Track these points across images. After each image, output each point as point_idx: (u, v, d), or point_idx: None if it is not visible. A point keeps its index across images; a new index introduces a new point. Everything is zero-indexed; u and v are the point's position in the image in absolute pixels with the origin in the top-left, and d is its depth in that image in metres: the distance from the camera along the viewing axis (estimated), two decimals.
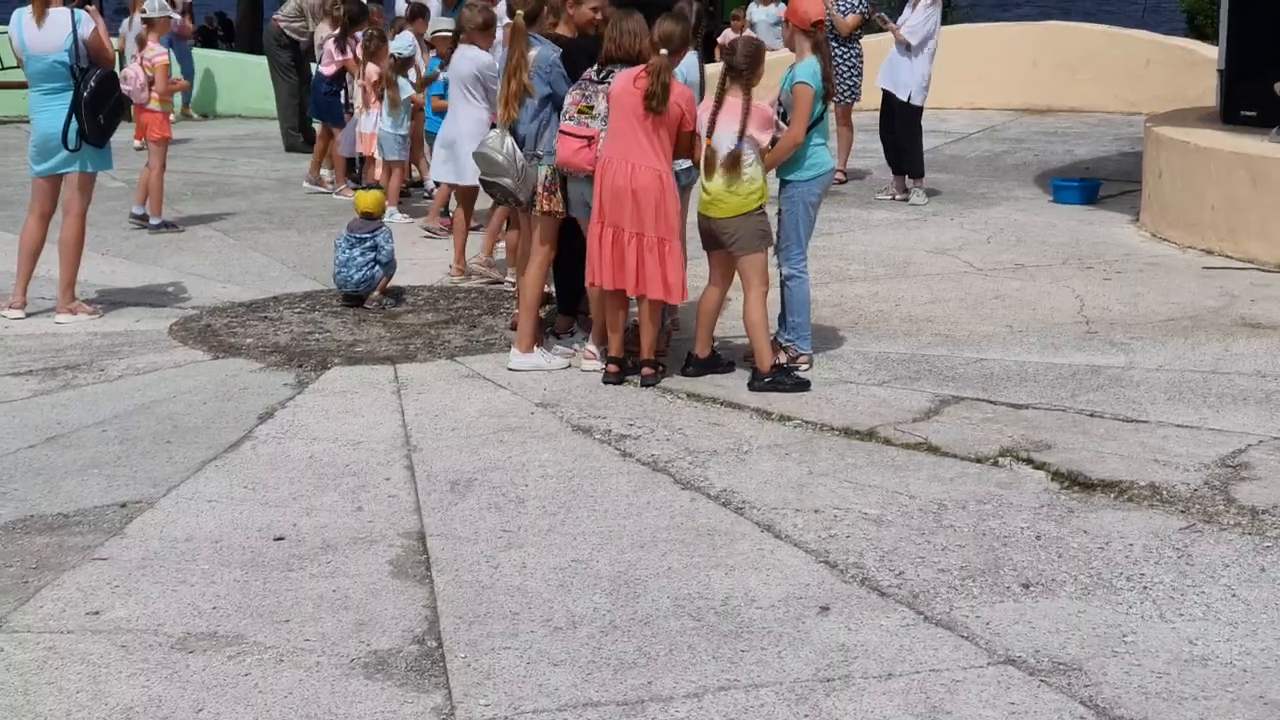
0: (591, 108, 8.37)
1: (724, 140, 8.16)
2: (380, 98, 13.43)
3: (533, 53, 8.61)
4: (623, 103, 8.21)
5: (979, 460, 7.18)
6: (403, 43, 13.74)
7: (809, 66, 8.44)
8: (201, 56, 21.91)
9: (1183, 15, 41.17)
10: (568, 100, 8.49)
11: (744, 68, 8.18)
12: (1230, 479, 6.88)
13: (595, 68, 8.51)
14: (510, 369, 8.72)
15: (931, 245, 12.40)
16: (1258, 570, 5.88)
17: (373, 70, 13.74)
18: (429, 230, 12.74)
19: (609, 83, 8.35)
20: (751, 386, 8.31)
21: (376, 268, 10.39)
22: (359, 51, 14.25)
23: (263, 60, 19.02)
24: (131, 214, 13.14)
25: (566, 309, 9.46)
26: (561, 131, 8.48)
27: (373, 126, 13.59)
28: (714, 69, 8.95)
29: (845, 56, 15.05)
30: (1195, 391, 8.25)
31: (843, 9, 14.97)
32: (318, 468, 7.18)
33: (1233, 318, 9.90)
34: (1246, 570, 5.88)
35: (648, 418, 7.90)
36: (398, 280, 10.95)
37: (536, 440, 7.57)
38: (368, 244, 10.37)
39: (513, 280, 10.23)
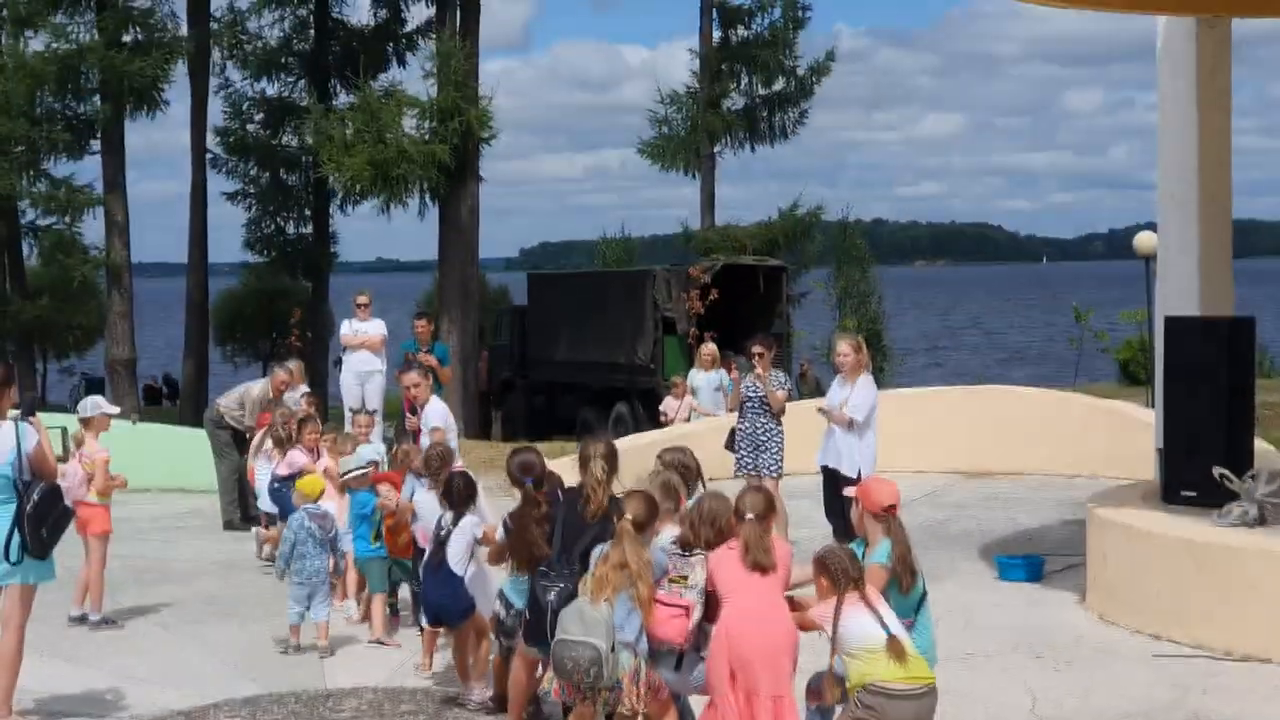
0: (686, 578, 8.20)
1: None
2: (341, 491, 13.24)
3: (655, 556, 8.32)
4: (730, 571, 8.10)
5: None
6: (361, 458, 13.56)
7: (883, 550, 8.27)
8: (145, 430, 22.01)
9: (1116, 364, 42.09)
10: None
11: (857, 576, 7.90)
12: None
13: (678, 546, 8.40)
14: None
15: None
16: None
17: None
18: (380, 642, 12.35)
19: (698, 555, 8.26)
20: None
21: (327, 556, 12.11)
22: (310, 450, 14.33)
23: (204, 433, 19.22)
24: (70, 616, 12.93)
25: None
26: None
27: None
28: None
29: (774, 432, 15.25)
30: None
31: (773, 384, 15.21)
32: None
33: (1185, 713, 9.84)
34: None
35: None
36: (341, 681, 10.81)
37: None
38: (321, 540, 11.98)
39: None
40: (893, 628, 7.67)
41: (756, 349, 15.51)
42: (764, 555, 8.06)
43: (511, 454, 9.78)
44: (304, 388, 18.34)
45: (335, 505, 13.13)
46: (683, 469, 9.32)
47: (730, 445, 15.57)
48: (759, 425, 15.34)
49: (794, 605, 8.15)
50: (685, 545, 8.35)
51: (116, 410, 13.72)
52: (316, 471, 13.78)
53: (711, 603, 8.19)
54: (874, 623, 7.66)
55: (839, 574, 7.77)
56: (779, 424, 15.37)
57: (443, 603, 10.35)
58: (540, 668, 8.99)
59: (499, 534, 9.70)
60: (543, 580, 8.76)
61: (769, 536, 8.21)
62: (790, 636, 7.99)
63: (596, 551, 8.28)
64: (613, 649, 7.83)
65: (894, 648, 7.57)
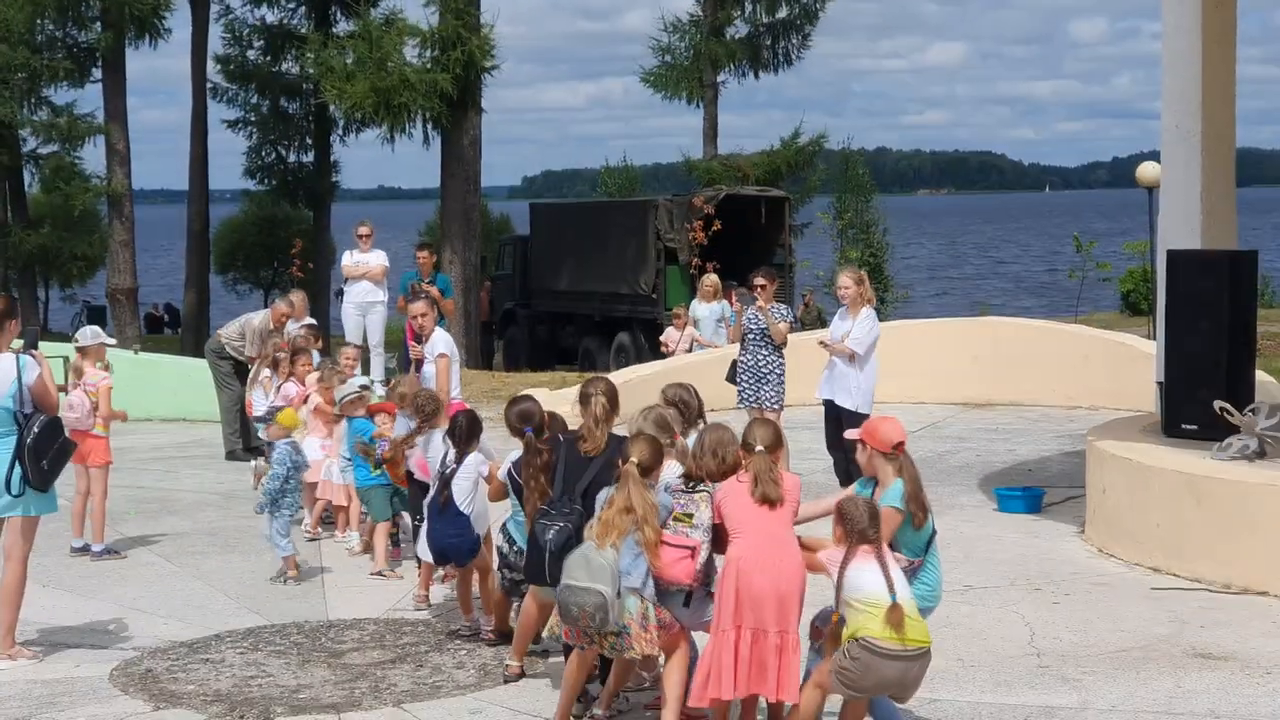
0: (691, 516, 8.15)
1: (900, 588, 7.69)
2: (335, 421, 13.30)
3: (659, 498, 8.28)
4: (739, 504, 8.04)
5: None
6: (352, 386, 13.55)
7: (896, 491, 8.19)
8: (146, 360, 22.02)
9: (1118, 294, 42.07)
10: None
11: (874, 538, 7.73)
12: None
13: (682, 480, 8.37)
14: None
15: None
16: None
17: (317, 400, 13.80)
18: (381, 574, 12.37)
19: (702, 491, 8.22)
20: None
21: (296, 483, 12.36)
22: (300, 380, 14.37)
23: (205, 363, 19.19)
24: (72, 547, 12.99)
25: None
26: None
27: (335, 475, 13.39)
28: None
29: (775, 364, 15.24)
30: None
31: (775, 317, 15.18)
32: None
33: (1183, 647, 9.86)
34: None
35: None
36: (343, 613, 10.87)
37: None
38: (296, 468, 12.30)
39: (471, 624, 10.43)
40: (899, 593, 7.54)
41: (758, 281, 15.46)
42: (772, 487, 8.01)
43: (510, 403, 9.74)
44: (307, 319, 18.28)
45: (322, 440, 13.35)
46: (683, 405, 9.30)
47: (731, 378, 15.57)
48: (760, 358, 15.33)
49: (803, 545, 8.11)
50: (689, 478, 8.33)
51: (114, 341, 13.72)
52: (301, 407, 13.81)
53: (720, 535, 8.17)
54: (880, 580, 7.56)
55: (853, 532, 7.69)
56: (781, 356, 15.36)
57: (449, 542, 10.34)
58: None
59: (501, 473, 9.70)
60: (542, 519, 8.76)
61: (778, 468, 8.17)
62: (799, 574, 7.93)
63: (602, 495, 8.27)
64: (618, 594, 7.83)
65: (893, 617, 7.44)
